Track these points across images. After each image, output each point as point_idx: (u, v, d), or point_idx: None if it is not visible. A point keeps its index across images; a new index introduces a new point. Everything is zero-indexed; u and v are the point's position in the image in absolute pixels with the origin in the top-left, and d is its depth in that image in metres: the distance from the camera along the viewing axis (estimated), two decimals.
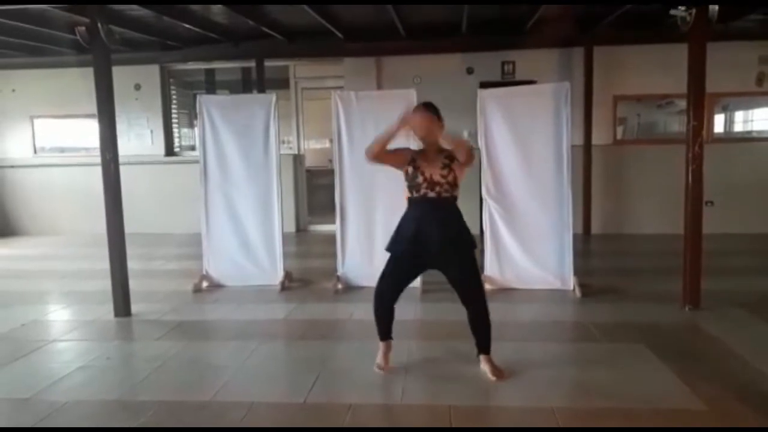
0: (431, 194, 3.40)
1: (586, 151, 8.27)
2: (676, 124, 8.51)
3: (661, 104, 8.64)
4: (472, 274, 3.48)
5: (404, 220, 3.51)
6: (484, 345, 3.52)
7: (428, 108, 3.57)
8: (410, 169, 3.47)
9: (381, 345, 3.68)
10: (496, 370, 3.45)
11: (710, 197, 5.90)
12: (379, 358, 3.65)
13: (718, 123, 8.60)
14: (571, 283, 5.34)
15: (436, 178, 3.40)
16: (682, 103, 6.93)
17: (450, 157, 3.43)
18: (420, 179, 3.42)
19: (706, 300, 4.75)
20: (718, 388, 3.27)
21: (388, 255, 3.58)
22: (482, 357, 3.52)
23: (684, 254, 4.79)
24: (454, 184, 3.42)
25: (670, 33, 5.57)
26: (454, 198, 3.45)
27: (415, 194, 3.44)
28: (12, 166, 9.60)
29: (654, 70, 8.02)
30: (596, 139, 8.32)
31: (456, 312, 4.69)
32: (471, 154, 3.37)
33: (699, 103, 4.65)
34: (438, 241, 3.37)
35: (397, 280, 3.58)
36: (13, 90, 9.51)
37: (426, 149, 3.53)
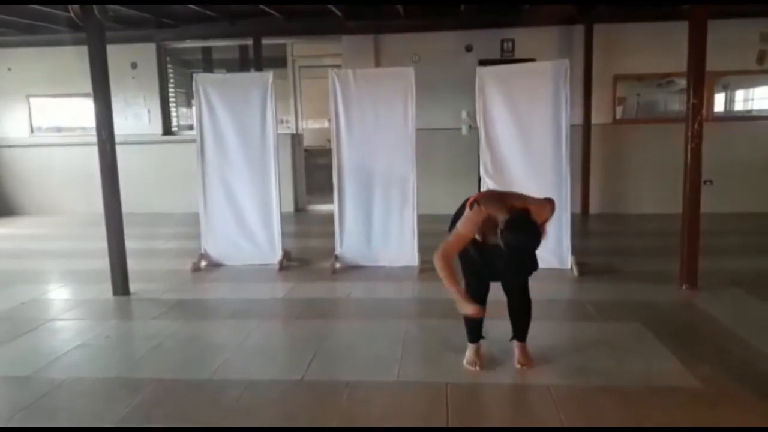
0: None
1: (585, 130, 8.23)
2: (677, 103, 8.47)
3: (662, 83, 8.58)
4: None
5: None
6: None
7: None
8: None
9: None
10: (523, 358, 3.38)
11: (709, 176, 5.89)
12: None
13: (719, 102, 8.55)
14: (568, 262, 5.35)
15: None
16: (683, 82, 6.88)
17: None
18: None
19: (704, 279, 4.77)
20: (714, 366, 3.29)
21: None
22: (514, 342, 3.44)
23: (682, 233, 4.79)
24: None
25: (670, 11, 5.51)
26: None
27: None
28: (9, 146, 9.56)
29: (654, 48, 7.96)
30: (596, 119, 8.28)
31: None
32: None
33: (699, 81, 4.61)
34: None
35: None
36: (9, 69, 9.43)
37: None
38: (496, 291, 3.34)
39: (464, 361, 3.37)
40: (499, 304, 3.36)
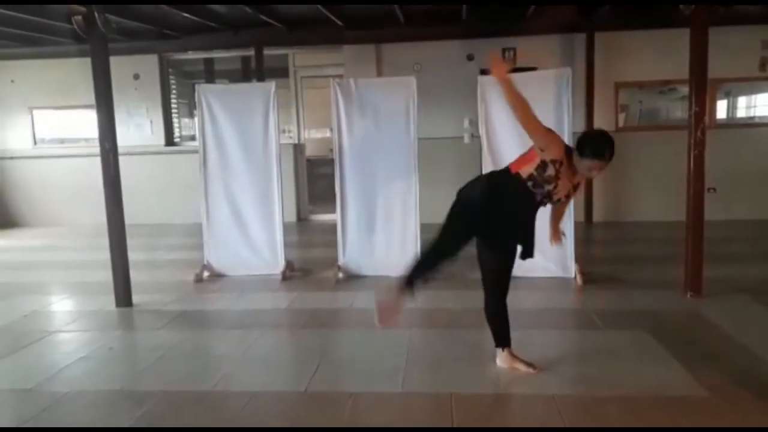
0: (539, 196, 3.12)
1: None
2: (679, 110, 8.47)
3: (664, 90, 8.58)
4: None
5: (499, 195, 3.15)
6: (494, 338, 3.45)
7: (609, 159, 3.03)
8: (550, 168, 3.06)
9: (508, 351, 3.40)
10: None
11: (712, 184, 5.88)
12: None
13: (721, 109, 8.54)
14: (572, 270, 5.32)
15: (560, 195, 3.14)
16: (685, 89, 6.88)
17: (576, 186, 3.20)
18: (550, 187, 3.08)
19: (709, 287, 4.74)
20: (720, 374, 3.27)
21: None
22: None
23: (686, 241, 4.77)
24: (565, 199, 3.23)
25: (672, 18, 5.51)
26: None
27: (530, 184, 3.10)
28: (12, 158, 9.59)
29: (656, 55, 7.97)
30: (598, 126, 8.27)
31: (456, 300, 4.72)
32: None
33: (701, 88, 4.61)
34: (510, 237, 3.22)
35: None
36: (12, 81, 9.47)
37: (571, 167, 3.10)
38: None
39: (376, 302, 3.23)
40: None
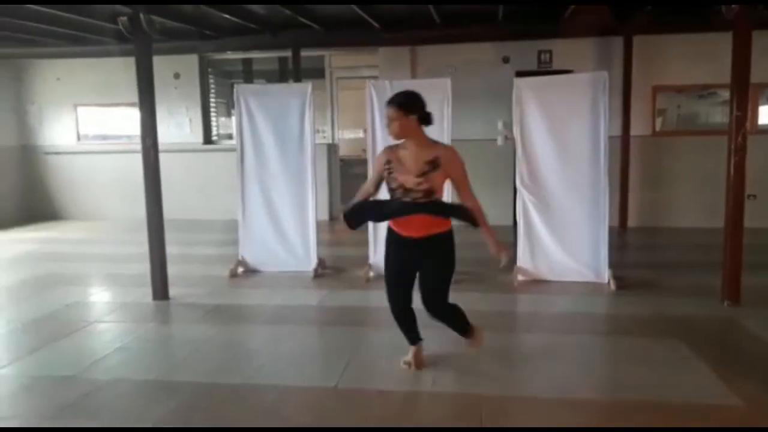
0: (406, 199, 3.16)
1: (623, 142, 8.10)
2: (719, 115, 8.26)
3: (703, 95, 8.40)
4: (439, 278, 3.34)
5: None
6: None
7: (391, 103, 3.19)
8: (385, 173, 3.23)
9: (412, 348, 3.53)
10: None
11: (753, 190, 5.74)
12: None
13: (763, 114, 8.32)
14: (606, 276, 5.26)
15: (410, 185, 3.13)
16: (725, 94, 6.74)
17: (434, 163, 3.14)
18: (394, 185, 3.18)
19: (747, 296, 4.63)
20: (756, 384, 3.21)
21: None
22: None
23: (724, 248, 4.67)
24: (430, 192, 3.14)
25: (713, 21, 5.42)
26: (434, 202, 3.19)
27: (394, 196, 3.23)
28: (57, 153, 9.90)
29: (696, 59, 7.80)
30: (634, 130, 8.14)
31: (484, 302, 4.71)
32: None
33: (743, 93, 4.51)
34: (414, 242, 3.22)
35: (398, 283, 3.40)
36: (58, 78, 9.78)
37: (405, 147, 3.23)
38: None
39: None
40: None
